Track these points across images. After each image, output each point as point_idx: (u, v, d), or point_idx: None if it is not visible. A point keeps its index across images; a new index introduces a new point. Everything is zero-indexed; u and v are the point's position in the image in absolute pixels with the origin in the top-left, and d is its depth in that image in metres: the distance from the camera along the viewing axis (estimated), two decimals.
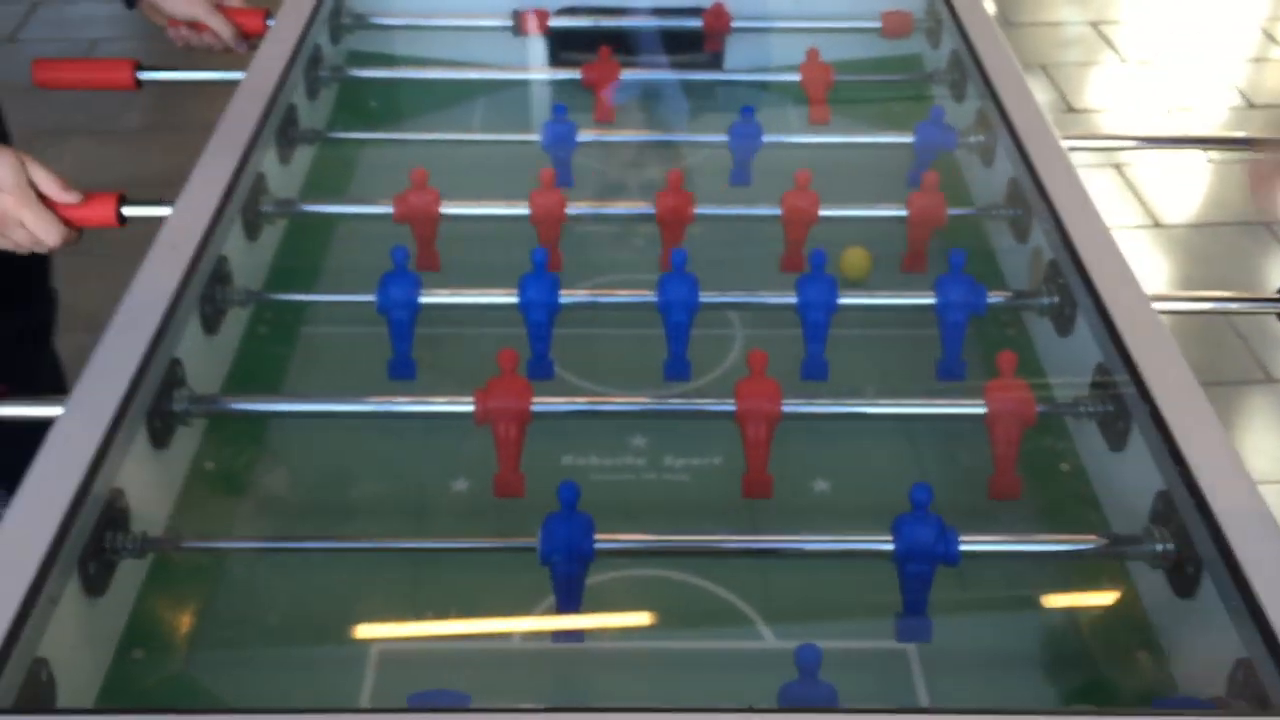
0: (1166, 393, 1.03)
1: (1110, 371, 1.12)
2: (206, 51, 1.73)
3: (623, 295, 1.29)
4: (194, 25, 1.68)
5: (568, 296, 1.23)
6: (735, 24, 1.82)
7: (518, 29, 1.81)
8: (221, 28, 1.66)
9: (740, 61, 1.88)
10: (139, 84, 1.62)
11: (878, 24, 1.81)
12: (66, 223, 1.24)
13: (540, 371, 1.23)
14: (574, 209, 1.38)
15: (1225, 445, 0.98)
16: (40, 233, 1.23)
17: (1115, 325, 1.11)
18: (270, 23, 1.66)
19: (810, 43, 1.74)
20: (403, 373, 1.23)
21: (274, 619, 1.05)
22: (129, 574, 1.02)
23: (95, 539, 0.96)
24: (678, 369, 1.24)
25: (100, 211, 1.27)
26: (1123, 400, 1.09)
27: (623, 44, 1.78)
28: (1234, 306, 1.39)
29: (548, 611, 1.03)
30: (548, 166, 1.40)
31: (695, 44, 1.84)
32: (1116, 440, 1.11)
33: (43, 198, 1.23)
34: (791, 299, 1.24)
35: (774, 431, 1.12)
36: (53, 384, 1.90)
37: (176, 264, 1.19)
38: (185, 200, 1.28)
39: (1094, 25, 4.13)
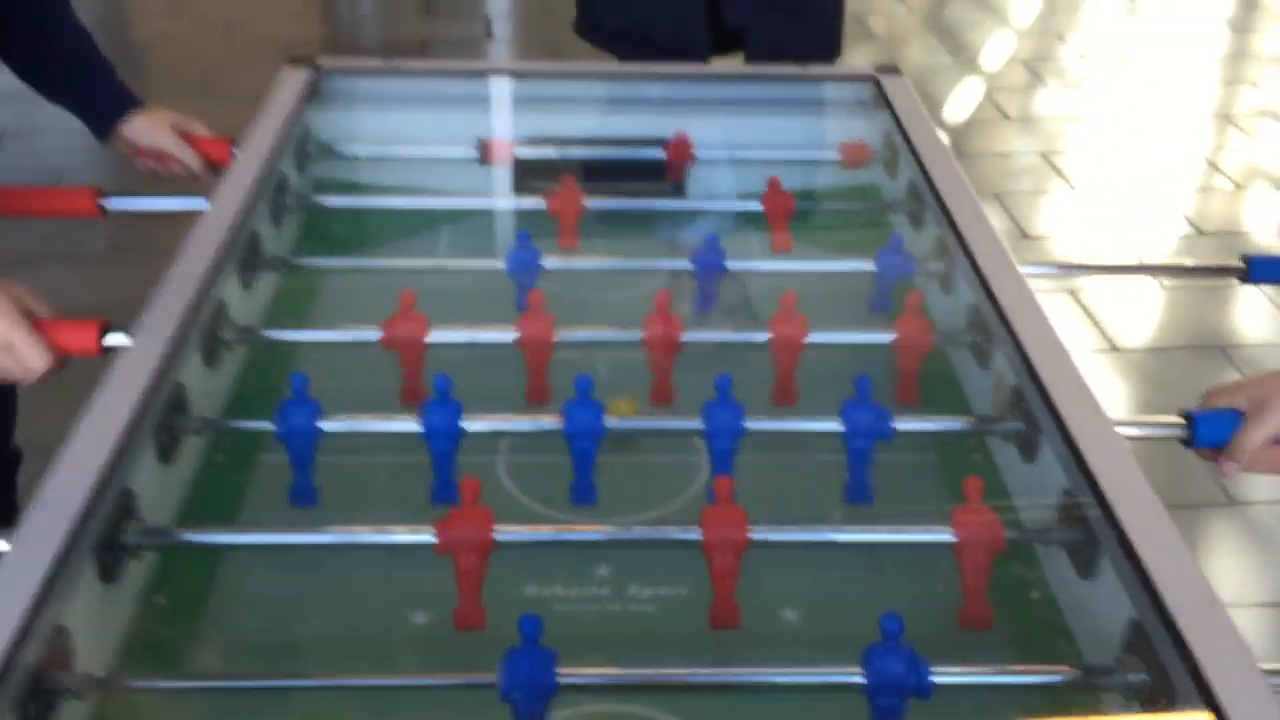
0: (1134, 519, 1.03)
1: (1077, 497, 1.11)
2: (173, 179, 1.74)
3: (540, 422, 1.28)
4: (161, 156, 1.70)
5: (470, 423, 1.23)
6: (697, 153, 1.86)
7: (483, 159, 1.84)
8: (189, 159, 1.69)
9: (702, 190, 1.91)
10: (103, 211, 1.62)
11: (837, 155, 1.85)
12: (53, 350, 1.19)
13: (445, 496, 1.22)
14: (563, 335, 1.38)
15: (1195, 572, 0.98)
16: (30, 359, 1.18)
17: (1080, 450, 1.11)
18: (236, 150, 1.67)
19: (771, 173, 1.77)
20: (304, 500, 1.23)
21: None
22: (71, 717, 0.98)
23: (35, 681, 0.92)
24: (583, 495, 1.24)
25: (83, 338, 1.24)
26: (1090, 527, 1.08)
27: (587, 173, 1.81)
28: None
29: None
30: (536, 289, 1.41)
31: (658, 173, 1.87)
32: (1086, 567, 1.10)
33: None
34: (760, 424, 1.25)
35: (741, 559, 1.10)
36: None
37: (131, 391, 1.17)
38: (143, 328, 1.27)
39: (1043, 155, 4.26)
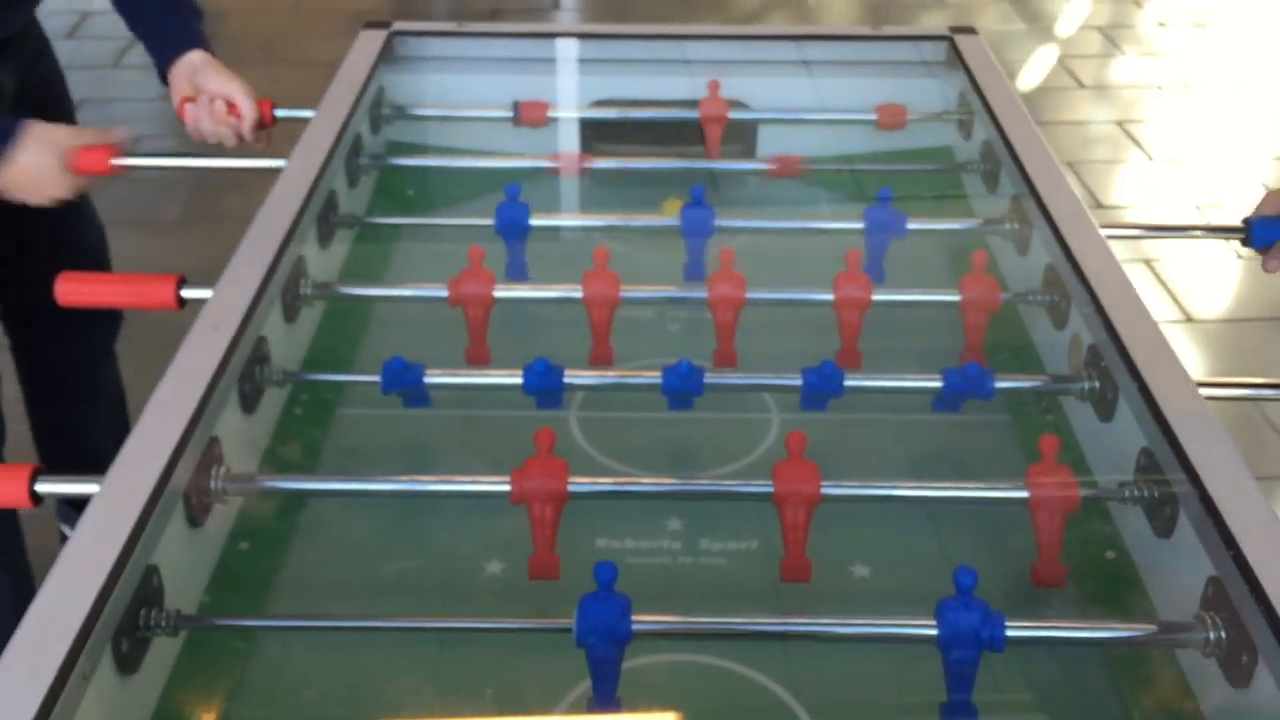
0: (1216, 477, 1.01)
1: (1156, 456, 1.10)
2: (216, 143, 1.66)
3: (625, 377, 1.30)
4: (215, 112, 1.60)
5: (570, 378, 1.25)
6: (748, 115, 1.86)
7: (517, 119, 1.84)
8: (249, 111, 1.62)
9: (775, 149, 1.90)
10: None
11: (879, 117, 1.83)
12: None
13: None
14: (627, 292, 1.38)
15: (1279, 530, 0.96)
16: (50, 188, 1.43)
17: (1161, 409, 1.09)
18: (279, 113, 1.69)
19: (827, 134, 1.76)
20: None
21: (306, 699, 1.04)
22: (161, 652, 1.01)
23: (129, 616, 0.95)
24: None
25: (160, 294, 1.29)
26: (1170, 485, 1.07)
27: (655, 134, 1.81)
28: (1270, 394, 1.36)
29: (584, 695, 1.01)
30: (601, 246, 1.42)
31: (730, 133, 1.87)
32: (1164, 526, 1.09)
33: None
34: (857, 381, 1.26)
35: (812, 514, 1.11)
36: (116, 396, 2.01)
37: (217, 344, 1.20)
38: (226, 282, 1.30)
39: (1120, 124, 4.17)
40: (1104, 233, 1.39)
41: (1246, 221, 1.36)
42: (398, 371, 1.25)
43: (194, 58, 1.61)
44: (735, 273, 1.37)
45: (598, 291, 1.37)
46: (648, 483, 1.21)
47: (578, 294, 1.37)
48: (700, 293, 1.38)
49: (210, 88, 1.61)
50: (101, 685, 0.90)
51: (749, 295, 1.37)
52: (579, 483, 1.11)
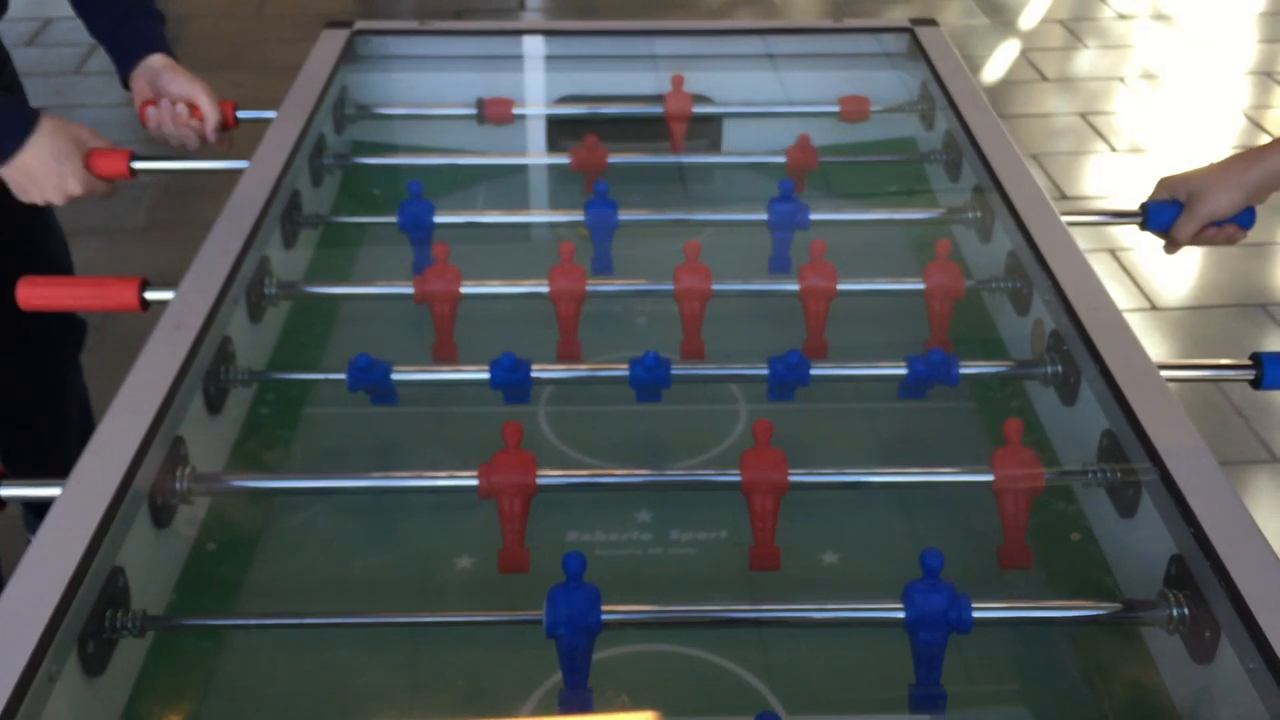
0: (1177, 457, 1.02)
1: (1118, 438, 1.11)
2: (179, 145, 1.63)
3: (596, 370, 1.31)
4: (177, 115, 1.57)
5: (537, 372, 1.25)
6: (713, 110, 1.86)
7: (482, 117, 1.84)
8: (211, 113, 1.58)
9: (739, 144, 1.91)
10: (133, 173, 1.54)
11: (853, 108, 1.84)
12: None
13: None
14: (594, 286, 1.38)
15: (1239, 508, 0.97)
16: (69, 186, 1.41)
17: (1122, 391, 1.11)
18: (241, 114, 1.67)
19: (791, 127, 1.77)
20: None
21: (276, 697, 1.03)
22: (129, 653, 1.00)
23: (95, 618, 0.94)
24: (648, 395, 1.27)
25: (123, 295, 1.28)
26: (1132, 466, 1.08)
27: (618, 130, 1.81)
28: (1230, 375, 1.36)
29: (555, 687, 1.01)
30: (568, 241, 1.42)
31: (696, 128, 1.87)
32: (1126, 506, 1.10)
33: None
34: (823, 370, 1.26)
35: (780, 502, 1.11)
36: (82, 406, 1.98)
37: (180, 344, 1.19)
38: (190, 282, 1.29)
39: (1083, 116, 4.21)
40: (1083, 219, 1.42)
41: (1143, 206, 1.38)
42: (364, 368, 1.24)
43: (154, 61, 1.59)
44: (701, 265, 1.38)
45: (564, 286, 1.37)
46: (617, 474, 1.21)
47: (544, 289, 1.37)
48: (666, 285, 1.38)
49: (171, 90, 1.59)
50: (68, 687, 0.89)
51: (715, 287, 1.37)
52: (548, 476, 1.12)
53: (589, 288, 1.38)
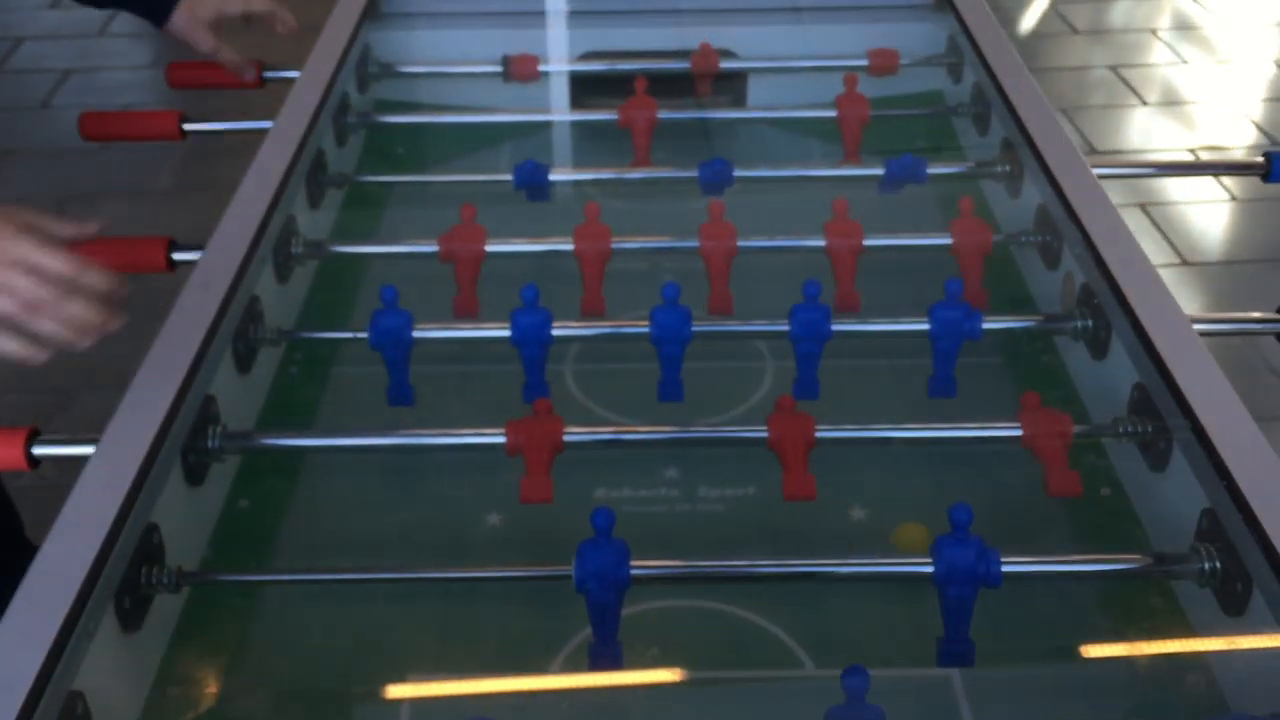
0: (1209, 409, 1.01)
1: (1149, 391, 1.10)
2: (235, 72, 1.72)
3: (618, 327, 1.29)
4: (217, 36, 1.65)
5: (559, 330, 1.23)
6: (738, 65, 1.84)
7: (507, 74, 1.83)
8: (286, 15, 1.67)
9: (764, 99, 1.89)
10: (184, 134, 1.65)
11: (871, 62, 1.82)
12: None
13: (537, 393, 1.23)
14: (618, 244, 1.38)
15: (1273, 460, 0.96)
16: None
17: (1154, 344, 1.09)
18: (265, 75, 1.69)
19: (816, 81, 1.75)
20: (401, 399, 1.25)
21: (309, 653, 1.04)
22: (164, 609, 1.02)
23: (130, 573, 0.95)
24: (671, 391, 1.25)
25: (150, 256, 1.29)
26: (1164, 419, 1.08)
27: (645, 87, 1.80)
28: (1262, 328, 1.35)
29: (585, 642, 1.01)
30: (593, 201, 1.41)
31: (721, 84, 1.86)
32: (1158, 460, 1.09)
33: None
34: (845, 326, 1.25)
35: (808, 457, 1.11)
36: None
37: (209, 303, 1.20)
38: (217, 242, 1.29)
39: (1114, 69, 4.15)
40: (1114, 171, 1.40)
41: (1267, 155, 1.36)
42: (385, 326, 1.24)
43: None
44: (726, 222, 1.37)
45: (589, 245, 1.37)
46: (643, 431, 1.21)
47: (569, 247, 1.37)
48: (692, 242, 1.38)
49: (231, 8, 1.64)
50: (105, 642, 0.91)
51: (740, 244, 1.37)
52: (575, 433, 1.12)
53: (614, 245, 1.37)
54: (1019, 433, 1.12)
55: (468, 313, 1.36)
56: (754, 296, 1.38)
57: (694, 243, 1.37)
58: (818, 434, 1.11)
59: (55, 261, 0.96)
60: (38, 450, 1.06)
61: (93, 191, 3.35)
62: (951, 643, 0.97)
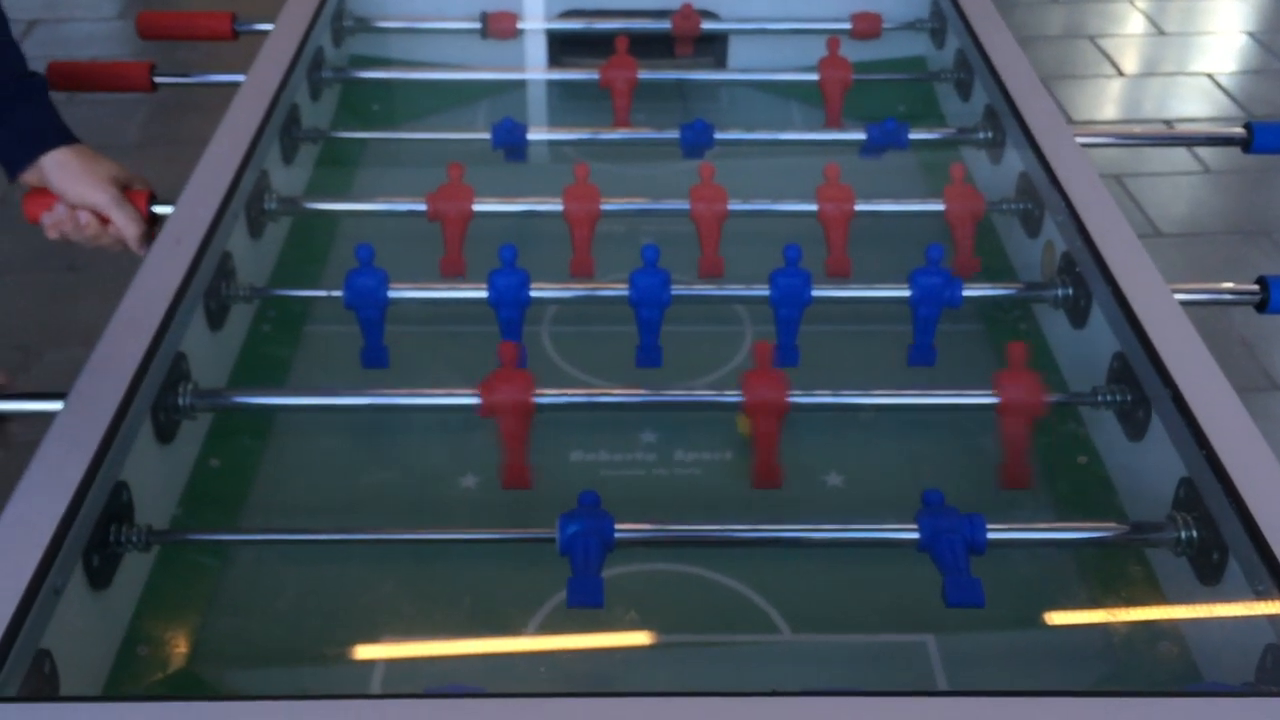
0: (1189, 378, 1.01)
1: (1129, 359, 1.10)
2: (91, 247, 1.32)
3: (596, 289, 1.28)
4: (81, 226, 1.27)
5: (537, 291, 1.22)
6: (719, 26, 1.82)
7: (485, 31, 1.80)
8: (127, 224, 1.26)
9: (745, 62, 1.87)
10: (154, 86, 1.62)
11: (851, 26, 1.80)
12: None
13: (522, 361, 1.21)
14: (609, 205, 1.36)
15: (1252, 430, 0.97)
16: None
17: (1135, 312, 1.09)
18: (238, 28, 1.65)
19: (795, 45, 1.73)
20: (375, 362, 1.23)
21: (280, 612, 1.03)
22: (134, 568, 1.00)
23: (99, 531, 0.94)
24: (649, 357, 1.24)
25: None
26: (1142, 388, 1.07)
27: (626, 47, 1.77)
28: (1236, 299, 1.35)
29: (559, 605, 1.01)
30: (582, 162, 1.39)
31: (700, 45, 1.84)
32: (1135, 429, 1.09)
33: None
34: (826, 292, 1.24)
35: (782, 423, 1.10)
36: None
37: (181, 259, 1.17)
38: (189, 197, 1.27)
39: (1091, 39, 4.14)
40: (1097, 140, 1.39)
41: (1248, 126, 1.35)
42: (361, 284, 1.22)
43: (48, 161, 1.25)
44: (717, 185, 1.36)
45: (579, 205, 1.35)
46: (617, 394, 1.20)
47: (558, 208, 1.35)
48: (682, 204, 1.36)
49: (70, 196, 1.25)
50: (73, 600, 0.89)
51: (732, 207, 1.35)
52: (546, 395, 1.11)
53: (603, 207, 1.35)
54: (996, 400, 1.11)
55: (455, 273, 1.34)
56: (740, 261, 1.37)
57: (681, 205, 1.36)
58: (791, 399, 1.10)
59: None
60: (3, 406, 1.04)
61: None
62: (955, 586, 0.95)
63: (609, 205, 1.36)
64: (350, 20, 1.81)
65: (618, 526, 0.95)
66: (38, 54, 3.89)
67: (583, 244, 1.36)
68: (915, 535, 0.95)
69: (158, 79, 1.63)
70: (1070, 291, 1.24)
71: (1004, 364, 1.15)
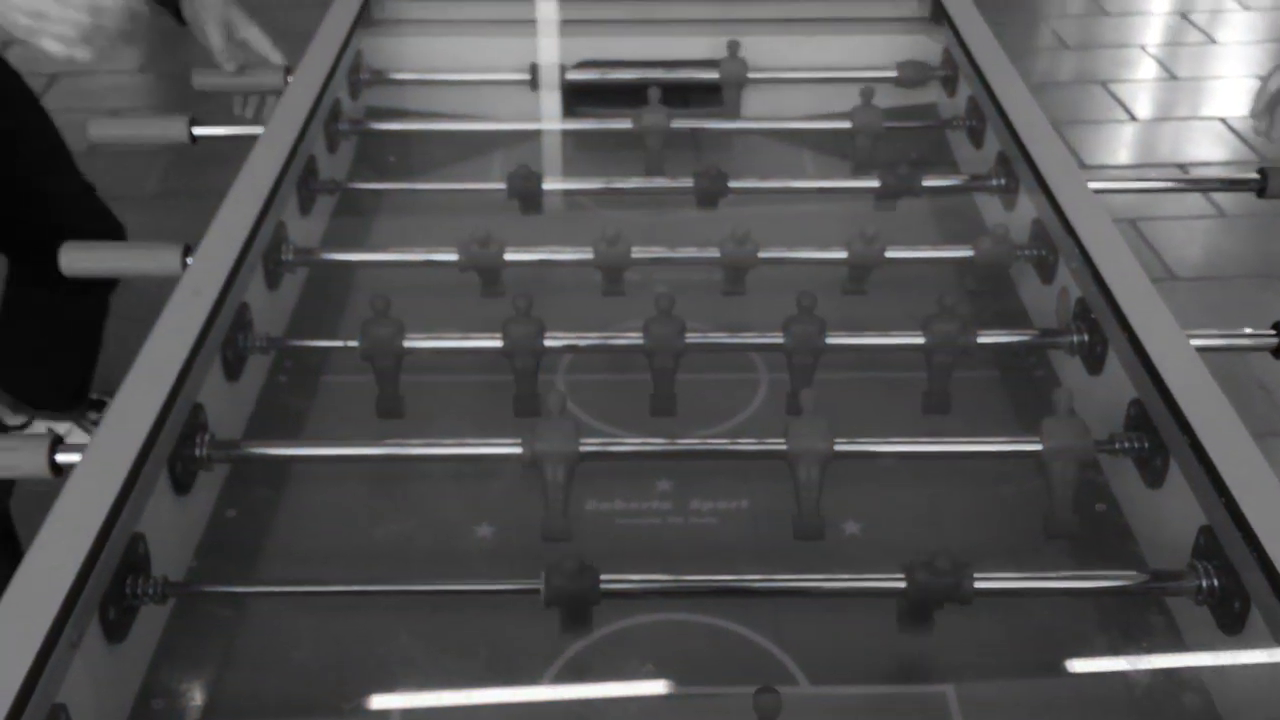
0: (1208, 425, 1.01)
1: (1146, 406, 1.10)
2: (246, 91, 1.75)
3: (610, 338, 1.28)
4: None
5: (552, 340, 1.22)
6: (750, 75, 1.83)
7: (535, 83, 1.82)
8: (268, 51, 1.73)
9: (757, 110, 1.89)
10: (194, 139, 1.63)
11: (893, 74, 1.82)
12: None
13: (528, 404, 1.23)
14: (639, 253, 1.37)
15: (1271, 478, 0.96)
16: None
17: (1152, 359, 1.09)
18: (290, 79, 1.67)
19: (824, 92, 1.74)
20: (391, 412, 1.24)
21: (297, 664, 1.03)
22: (150, 620, 1.00)
23: (116, 584, 0.94)
24: (663, 405, 1.24)
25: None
26: (1160, 435, 1.07)
27: (639, 97, 1.79)
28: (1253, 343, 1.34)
29: (578, 657, 1.00)
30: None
31: (712, 95, 1.85)
32: (1154, 477, 1.09)
33: None
34: (840, 339, 1.24)
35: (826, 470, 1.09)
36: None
37: (199, 310, 1.18)
38: (207, 247, 1.28)
39: (1104, 84, 4.16)
40: (1111, 186, 1.39)
41: (1262, 171, 1.35)
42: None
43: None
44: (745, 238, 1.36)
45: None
46: (635, 443, 1.20)
47: (572, 257, 1.37)
48: (696, 253, 1.37)
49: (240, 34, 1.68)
50: (89, 653, 0.89)
51: (761, 255, 1.36)
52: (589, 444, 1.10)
53: (633, 254, 1.37)
54: (1012, 449, 1.11)
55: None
56: (754, 309, 1.37)
57: (695, 254, 1.37)
58: (834, 448, 1.09)
59: None
60: (61, 458, 1.04)
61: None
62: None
63: (639, 253, 1.37)
64: (367, 73, 1.83)
65: (628, 578, 0.95)
66: (59, 106, 3.95)
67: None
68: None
69: (197, 131, 1.62)
70: (1086, 338, 1.24)
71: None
